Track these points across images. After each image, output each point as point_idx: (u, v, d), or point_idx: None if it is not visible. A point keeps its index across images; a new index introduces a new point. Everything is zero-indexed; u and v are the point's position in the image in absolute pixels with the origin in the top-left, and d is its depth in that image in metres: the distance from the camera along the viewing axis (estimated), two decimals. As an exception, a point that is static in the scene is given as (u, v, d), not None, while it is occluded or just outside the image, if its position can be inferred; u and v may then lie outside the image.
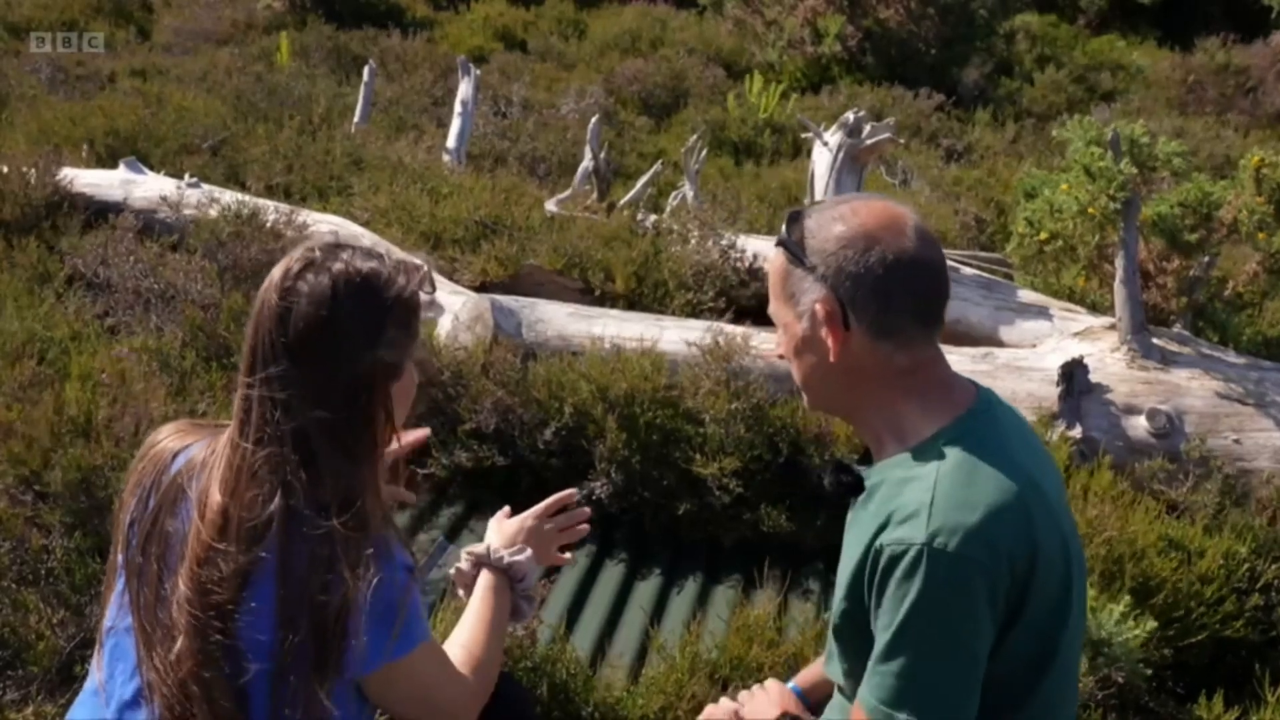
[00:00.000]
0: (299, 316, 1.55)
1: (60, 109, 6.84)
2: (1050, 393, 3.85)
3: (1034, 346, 4.27)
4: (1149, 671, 2.51)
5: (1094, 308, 4.63)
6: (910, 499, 1.48)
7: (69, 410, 3.18)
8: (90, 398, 3.18)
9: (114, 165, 5.61)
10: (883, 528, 1.49)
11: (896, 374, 1.57)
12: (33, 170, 5.01)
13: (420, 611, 1.63)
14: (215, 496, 1.54)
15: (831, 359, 1.55)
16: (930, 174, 8.62)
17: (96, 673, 1.65)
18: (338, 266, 1.57)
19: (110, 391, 3.17)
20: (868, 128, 5.03)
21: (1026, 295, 4.58)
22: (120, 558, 1.64)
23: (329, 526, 1.51)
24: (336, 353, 1.56)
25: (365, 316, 1.56)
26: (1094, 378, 3.88)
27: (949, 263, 4.64)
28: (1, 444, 3.06)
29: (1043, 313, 4.45)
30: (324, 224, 4.66)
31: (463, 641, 1.78)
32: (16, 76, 8.83)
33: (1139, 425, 3.80)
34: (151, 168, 5.76)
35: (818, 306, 1.54)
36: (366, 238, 4.70)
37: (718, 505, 3.49)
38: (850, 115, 5.00)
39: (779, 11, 15.09)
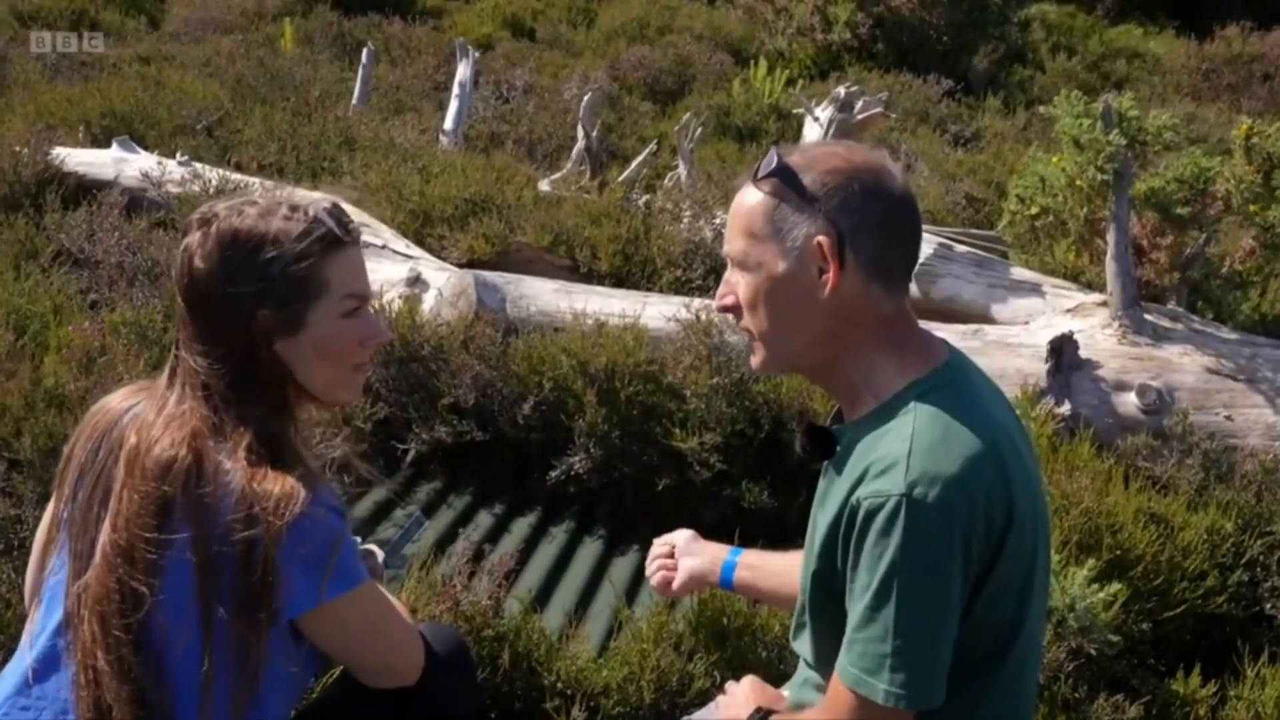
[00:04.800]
0: (186, 271, 1.61)
1: (58, 91, 6.85)
2: (1039, 369, 3.81)
3: (1025, 324, 4.22)
4: (1116, 639, 2.46)
5: (1090, 286, 4.57)
6: (887, 451, 1.43)
7: (46, 382, 3.18)
8: (66, 369, 3.18)
9: (109, 145, 5.61)
10: (859, 482, 1.44)
11: (878, 322, 1.51)
12: (24, 149, 5.01)
13: (356, 553, 1.62)
14: (130, 437, 1.57)
15: (823, 298, 1.48)
16: (933, 158, 8.54)
17: (30, 626, 1.67)
18: (223, 225, 1.60)
19: (84, 364, 3.16)
20: (859, 103, 4.97)
21: (1019, 273, 4.53)
22: (64, 511, 1.65)
23: (239, 469, 1.52)
24: (220, 306, 1.59)
25: (245, 272, 1.58)
26: (1084, 354, 3.83)
27: (942, 239, 4.60)
28: (-24, 414, 3.07)
29: (1035, 290, 4.39)
30: (306, 200, 4.63)
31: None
32: (21, 63, 8.86)
33: (1129, 401, 3.75)
34: (147, 148, 5.76)
35: (820, 239, 1.47)
36: (353, 214, 4.68)
37: (698, 481, 3.45)
38: (841, 90, 4.95)
39: (789, -1, 15.02)
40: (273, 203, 1.64)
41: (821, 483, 1.61)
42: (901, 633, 1.40)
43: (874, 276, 1.50)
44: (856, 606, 1.43)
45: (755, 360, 1.61)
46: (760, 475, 3.48)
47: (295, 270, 1.59)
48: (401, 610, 1.79)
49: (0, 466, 2.96)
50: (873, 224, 1.49)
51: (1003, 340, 3.96)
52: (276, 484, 1.52)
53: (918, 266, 4.58)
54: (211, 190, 4.23)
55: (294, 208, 1.63)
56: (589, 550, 3.38)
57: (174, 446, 1.53)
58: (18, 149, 5.02)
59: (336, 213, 1.67)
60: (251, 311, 1.58)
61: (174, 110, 6.53)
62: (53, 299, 3.85)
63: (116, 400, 1.70)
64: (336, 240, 1.64)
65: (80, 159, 5.32)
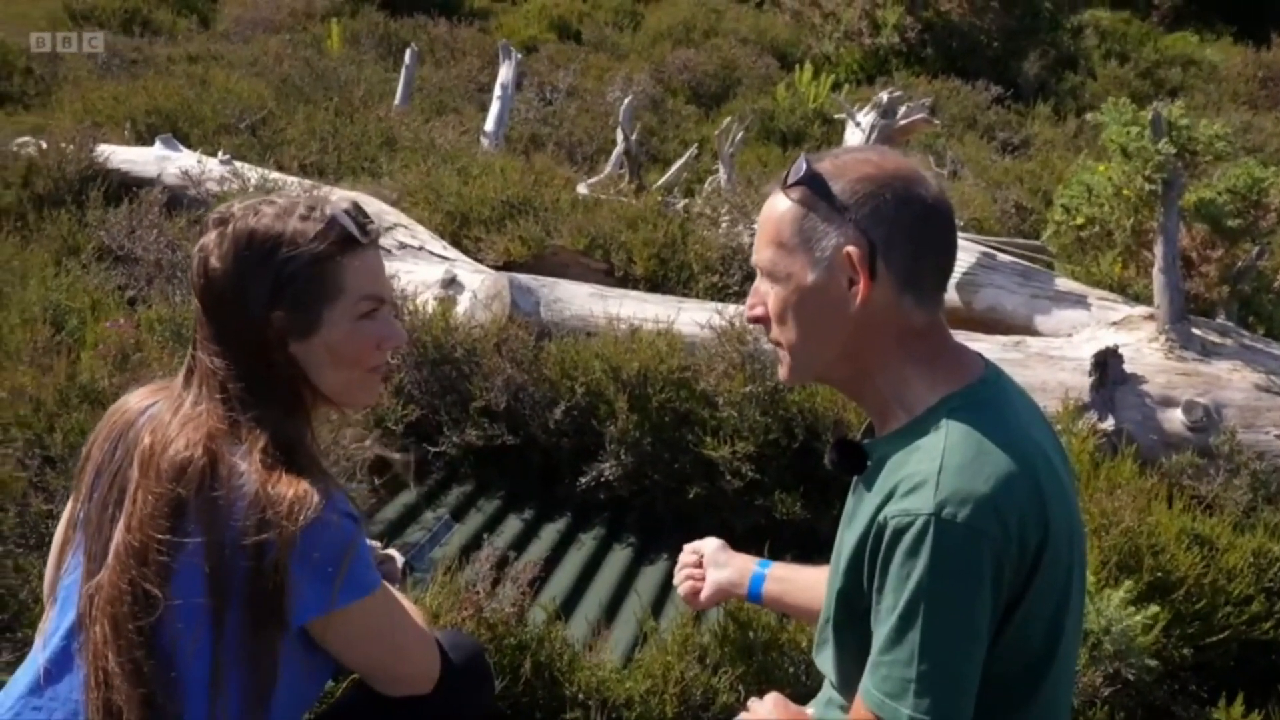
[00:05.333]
0: (201, 271, 1.59)
1: (106, 89, 6.92)
2: (1082, 383, 3.72)
3: (1069, 336, 4.13)
4: (1155, 664, 2.38)
5: (1138, 299, 4.47)
6: (917, 469, 1.38)
7: (81, 378, 3.20)
8: (100, 365, 3.19)
9: (153, 144, 5.66)
10: (887, 500, 1.40)
11: (910, 334, 1.47)
12: (69, 146, 5.06)
13: (369, 560, 1.60)
14: (145, 438, 1.55)
15: (853, 310, 1.44)
16: (980, 165, 8.43)
17: (44, 625, 1.65)
18: (239, 224, 1.58)
19: (118, 360, 3.17)
20: (902, 108, 4.90)
21: (1064, 284, 4.43)
22: (80, 511, 1.64)
23: (253, 472, 1.49)
24: (234, 307, 1.57)
25: (259, 272, 1.56)
26: (1129, 368, 3.74)
27: (985, 248, 4.52)
28: (11, 407, 3.08)
29: (1080, 301, 4.30)
30: (345, 200, 4.64)
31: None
32: (74, 61, 8.99)
33: (1175, 418, 3.65)
34: (190, 146, 5.80)
35: (850, 249, 1.43)
36: (391, 214, 4.68)
37: (730, 490, 3.40)
38: (884, 95, 4.87)
39: (837, 3, 14.92)
40: (290, 203, 1.62)
41: (850, 499, 1.56)
42: (927, 657, 1.35)
43: (906, 288, 1.45)
44: (882, 628, 1.39)
45: (783, 371, 1.57)
46: (793, 486, 3.43)
47: (311, 271, 1.57)
48: (418, 617, 1.76)
49: (33, 462, 2.97)
50: (905, 233, 1.44)
51: (1045, 352, 3.88)
52: (290, 488, 1.50)
53: (959, 276, 4.53)
54: (250, 189, 4.24)
55: (311, 208, 1.61)
56: (618, 558, 3.35)
57: (189, 448, 1.52)
58: (63, 146, 5.07)
59: (355, 213, 1.64)
60: (266, 312, 1.56)
61: (218, 109, 6.58)
62: (91, 295, 3.88)
63: (135, 399, 1.68)
64: (354, 241, 1.61)
65: (124, 156, 5.37)
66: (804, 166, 1.49)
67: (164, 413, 1.59)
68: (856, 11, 14.46)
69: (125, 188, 5.06)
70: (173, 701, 1.51)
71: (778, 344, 1.54)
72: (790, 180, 1.49)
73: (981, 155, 9.33)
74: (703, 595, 2.01)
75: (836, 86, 10.95)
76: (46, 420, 3.03)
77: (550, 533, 3.42)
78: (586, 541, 3.40)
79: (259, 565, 1.48)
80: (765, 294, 1.53)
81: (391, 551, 2.05)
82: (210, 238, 1.59)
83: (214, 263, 1.57)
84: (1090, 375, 3.69)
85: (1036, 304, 4.37)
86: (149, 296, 4.04)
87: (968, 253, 4.59)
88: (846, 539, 1.51)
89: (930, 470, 1.37)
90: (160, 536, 1.50)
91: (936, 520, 1.33)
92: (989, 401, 1.46)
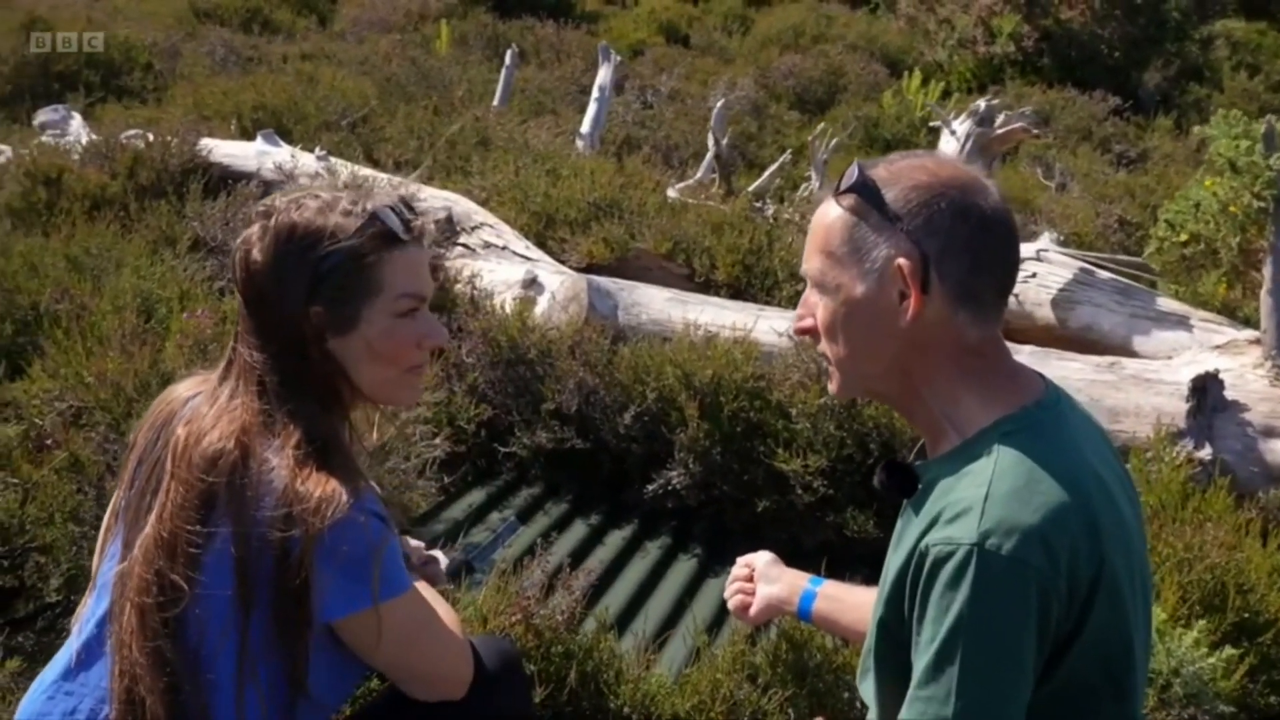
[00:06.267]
0: (243, 264, 1.58)
1: (216, 85, 7.12)
2: (1179, 408, 3.54)
3: (1169, 359, 3.94)
4: (1231, 709, 2.22)
5: (1247, 322, 4.25)
6: (962, 495, 1.31)
7: (163, 366, 3.26)
8: (180, 354, 3.26)
9: (255, 138, 5.79)
10: (931, 526, 1.33)
11: (964, 352, 1.39)
12: (174, 139, 5.20)
13: (398, 561, 1.57)
14: (180, 430, 1.55)
15: (903, 324, 1.37)
16: (1092, 178, 8.14)
17: (80, 611, 1.67)
18: (281, 218, 1.56)
19: (197, 350, 3.23)
20: (1000, 116, 4.73)
21: (1166, 303, 4.23)
22: (122, 498, 1.65)
23: (284, 467, 1.48)
24: (274, 301, 1.56)
25: (298, 267, 1.55)
26: (1231, 394, 3.55)
27: (1084, 264, 4.35)
28: (93, 392, 3.17)
29: (1182, 323, 4.10)
30: (435, 199, 4.68)
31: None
32: (192, 58, 9.29)
33: (1278, 450, 3.44)
34: (292, 142, 5.92)
35: (901, 261, 1.36)
36: (478, 213, 4.70)
37: (800, 505, 3.32)
38: (981, 103, 4.72)
39: (953, 10, 14.63)
40: (334, 197, 1.60)
41: (899, 522, 1.49)
42: (965, 695, 1.27)
43: (961, 302, 1.38)
44: (920, 661, 1.31)
45: (832, 385, 1.51)
46: (866, 503, 3.33)
47: (350, 267, 1.55)
48: (452, 621, 1.73)
49: (113, 447, 3.04)
50: (960, 245, 1.37)
51: (1140, 375, 3.70)
52: (320, 485, 1.48)
53: (1054, 292, 4.35)
54: (340, 185, 4.29)
55: (354, 202, 1.59)
56: (682, 568, 3.29)
57: (221, 440, 1.51)
58: (168, 139, 5.21)
59: (400, 209, 1.62)
60: (304, 307, 1.55)
61: (322, 106, 6.71)
62: (181, 285, 3.96)
63: (184, 388, 1.69)
64: (395, 238, 1.59)
65: (225, 150, 5.50)
66: (856, 173, 1.42)
67: (200, 404, 1.60)
68: (972, 18, 14.16)
69: (225, 181, 5.19)
70: (198, 694, 1.51)
71: (826, 357, 1.48)
72: (842, 187, 1.42)
73: (1095, 168, 9.02)
74: (752, 610, 1.97)
75: (946, 94, 10.73)
76: (125, 406, 3.10)
77: (616, 539, 3.38)
78: (651, 550, 3.35)
79: (285, 561, 1.47)
80: (814, 305, 1.47)
81: (436, 552, 2.03)
82: (253, 231, 1.58)
83: (255, 256, 1.56)
84: (1188, 401, 3.51)
85: (1135, 324, 4.18)
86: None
87: (1064, 268, 4.42)
88: (891, 565, 1.44)
89: (976, 497, 1.29)
90: (190, 528, 1.49)
91: (979, 551, 1.26)
92: (1045, 426, 1.37)
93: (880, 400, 1.61)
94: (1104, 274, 4.37)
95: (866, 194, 1.40)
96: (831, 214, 1.44)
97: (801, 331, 1.51)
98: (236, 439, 1.51)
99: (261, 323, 1.57)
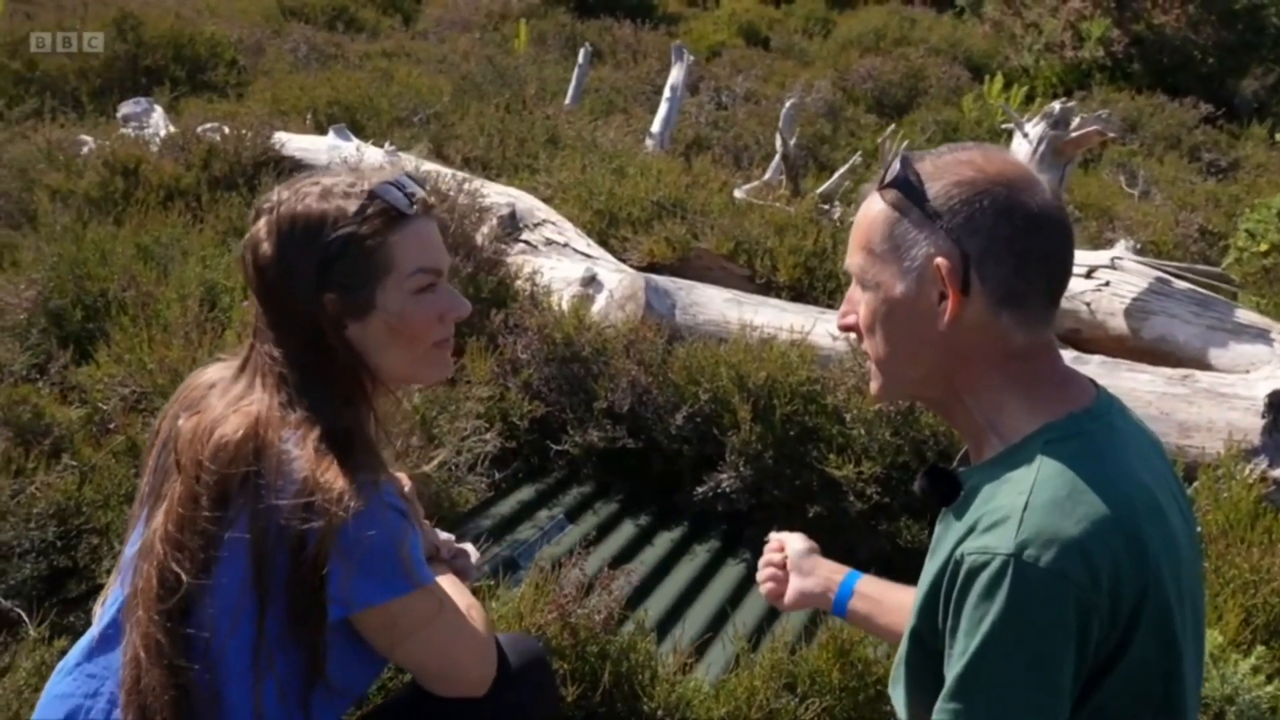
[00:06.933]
0: (252, 261, 1.57)
1: (294, 80, 7.24)
2: (1254, 424, 3.40)
3: (1246, 373, 3.79)
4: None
5: (1334, 337, 4.06)
6: (1001, 503, 1.25)
7: (224, 353, 3.31)
8: (237, 342, 3.30)
9: (328, 133, 5.87)
10: (968, 534, 1.27)
11: (1008, 357, 1.33)
12: (248, 132, 5.29)
13: (418, 555, 1.55)
14: (184, 423, 1.54)
15: (942, 326, 1.32)
16: (1177, 186, 7.90)
17: (104, 595, 1.68)
18: (283, 209, 1.54)
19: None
20: (1076, 119, 4.60)
21: (1246, 315, 4.07)
22: (146, 484, 1.65)
23: (304, 459, 1.46)
24: (285, 291, 1.54)
25: (303, 257, 1.52)
26: (1311, 412, 3.39)
27: (1160, 273, 4.19)
28: (153, 378, 3.22)
29: (1262, 336, 3.93)
30: (499, 195, 4.70)
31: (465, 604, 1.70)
32: (275, 55, 9.47)
33: (1359, 470, 3.29)
34: (365, 138, 5.99)
35: (939, 261, 1.30)
36: (541, 210, 4.70)
37: (853, 512, 3.25)
38: (1056, 105, 4.58)
39: (1040, 13, 14.34)
40: (334, 181, 1.57)
41: (938, 528, 1.43)
42: (996, 710, 1.22)
43: (1004, 305, 1.31)
44: (951, 673, 1.26)
45: (874, 386, 1.45)
46: (920, 513, 3.25)
47: (355, 249, 1.53)
48: (477, 618, 1.70)
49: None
50: (1003, 245, 1.30)
51: (1214, 389, 3.56)
52: (339, 478, 1.46)
53: (1128, 301, 4.19)
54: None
55: (352, 184, 1.56)
56: (730, 573, 3.25)
57: (234, 432, 1.50)
58: (243, 132, 5.31)
59: (401, 184, 1.58)
60: (317, 296, 1.52)
61: (395, 102, 6.78)
62: (244, 275, 4.02)
63: (211, 373, 1.68)
64: (399, 214, 1.56)
65: (298, 144, 5.58)
66: (899, 166, 1.36)
67: (212, 398, 1.58)
68: (1060, 22, 13.85)
69: (297, 174, 5.25)
70: (208, 684, 1.49)
71: (867, 356, 1.43)
72: (885, 181, 1.37)
73: (1181, 176, 8.75)
74: (785, 600, 1.87)
75: (1030, 99, 10.51)
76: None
77: (664, 541, 3.35)
78: (699, 553, 3.31)
79: (301, 553, 1.45)
80: (857, 301, 1.42)
81: (467, 546, 2.00)
82: (260, 225, 1.57)
83: (263, 250, 1.55)
84: (1263, 416, 3.37)
85: (1212, 336, 4.03)
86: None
87: (1140, 276, 4.28)
88: (927, 572, 1.38)
89: (1015, 506, 1.23)
90: (204, 516, 1.48)
91: (1016, 561, 1.20)
92: (1093, 435, 1.31)
93: (923, 403, 1.55)
94: (1181, 284, 4.22)
95: (908, 189, 1.34)
96: (874, 208, 1.38)
97: (845, 328, 1.46)
98: (253, 430, 1.50)
99: (278, 318, 1.55)
